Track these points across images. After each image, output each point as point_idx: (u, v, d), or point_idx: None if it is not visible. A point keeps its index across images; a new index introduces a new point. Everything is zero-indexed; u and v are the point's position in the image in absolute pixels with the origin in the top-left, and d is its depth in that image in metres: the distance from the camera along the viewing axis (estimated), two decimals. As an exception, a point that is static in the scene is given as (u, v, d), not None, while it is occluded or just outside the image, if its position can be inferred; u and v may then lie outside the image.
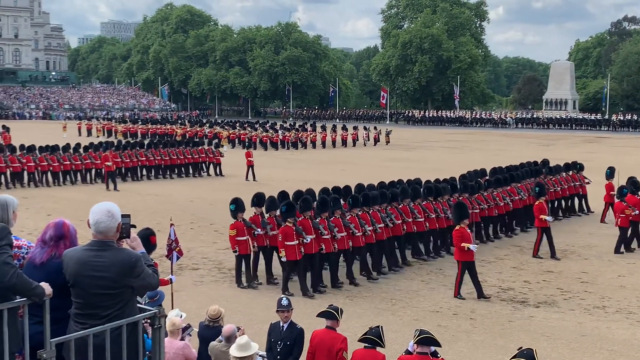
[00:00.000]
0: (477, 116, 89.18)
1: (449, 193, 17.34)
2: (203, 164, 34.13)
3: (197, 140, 39.80)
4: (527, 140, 58.97)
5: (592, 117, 79.07)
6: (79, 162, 30.13)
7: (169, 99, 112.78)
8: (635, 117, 76.81)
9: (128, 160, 30.86)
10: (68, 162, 29.81)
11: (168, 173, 32.65)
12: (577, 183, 22.85)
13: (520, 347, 6.41)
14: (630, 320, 12.26)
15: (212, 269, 15.49)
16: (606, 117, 79.94)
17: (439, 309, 12.77)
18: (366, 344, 7.33)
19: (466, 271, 13.49)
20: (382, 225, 14.97)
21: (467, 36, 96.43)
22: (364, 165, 37.26)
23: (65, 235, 4.88)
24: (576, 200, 23.31)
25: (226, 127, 54.95)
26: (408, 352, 7.19)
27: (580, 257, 17.22)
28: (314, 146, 51.03)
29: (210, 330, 8.23)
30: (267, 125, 56.67)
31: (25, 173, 29.14)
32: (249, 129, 54.10)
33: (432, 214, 16.49)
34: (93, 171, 30.59)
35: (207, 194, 27.30)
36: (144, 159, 31.67)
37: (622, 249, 17.56)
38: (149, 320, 4.95)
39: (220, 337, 7.79)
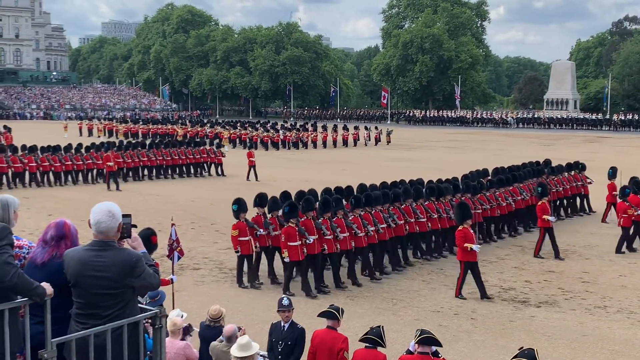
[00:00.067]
0: (478, 116, 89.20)
1: (451, 193, 17.32)
2: (205, 164, 34.13)
3: (199, 140, 39.82)
4: (528, 140, 58.96)
5: (593, 117, 79.07)
6: (81, 162, 30.16)
7: (170, 99, 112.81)
8: (636, 117, 76.77)
9: (130, 160, 30.87)
10: (70, 163, 29.83)
11: (169, 173, 32.67)
12: (579, 183, 22.85)
13: (522, 347, 6.41)
14: (631, 320, 12.26)
15: (213, 269, 15.49)
16: (607, 117, 79.91)
17: (440, 309, 12.76)
18: (367, 344, 7.32)
19: (469, 272, 13.49)
20: (384, 225, 14.96)
21: (468, 36, 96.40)
22: (365, 165, 37.26)
23: (66, 235, 4.88)
24: (578, 200, 23.31)
25: (227, 127, 54.94)
26: (409, 352, 7.19)
27: (582, 257, 17.22)
28: (315, 146, 51.03)
29: (211, 330, 8.23)
30: (268, 125, 56.67)
31: (27, 173, 29.15)
32: (250, 129, 54.12)
33: (434, 214, 16.48)
34: (95, 171, 30.61)
35: (208, 194, 27.31)
36: (145, 159, 31.68)
37: (624, 248, 17.56)
38: (150, 320, 4.95)
39: (221, 337, 7.80)
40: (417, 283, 14.58)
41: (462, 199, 16.90)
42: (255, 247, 14.24)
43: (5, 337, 4.27)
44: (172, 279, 10.25)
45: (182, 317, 7.79)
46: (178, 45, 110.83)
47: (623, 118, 77.54)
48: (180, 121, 68.31)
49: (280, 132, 52.21)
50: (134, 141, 36.58)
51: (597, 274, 15.51)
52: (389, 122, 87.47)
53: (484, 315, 12.41)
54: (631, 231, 17.74)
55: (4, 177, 28.55)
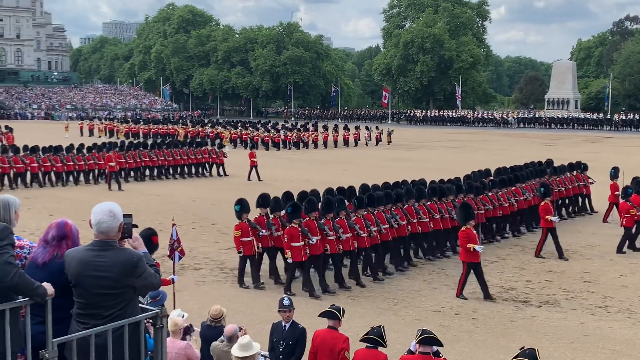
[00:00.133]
0: (479, 116, 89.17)
1: (453, 193, 17.32)
2: (206, 165, 34.14)
3: (201, 140, 39.81)
4: (529, 139, 58.94)
5: (594, 117, 79.04)
6: (82, 163, 30.16)
7: (171, 99, 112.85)
8: (637, 117, 76.72)
9: (132, 160, 30.89)
10: (71, 163, 29.85)
11: (171, 173, 32.67)
12: (581, 183, 22.84)
13: (523, 347, 6.41)
14: (632, 320, 12.25)
15: (214, 269, 15.49)
16: (608, 116, 79.87)
17: (441, 309, 12.76)
18: (368, 344, 7.32)
19: (471, 272, 13.47)
20: (387, 226, 14.95)
21: (468, 36, 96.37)
22: (366, 165, 37.26)
23: (67, 235, 4.88)
24: (579, 201, 23.30)
25: (228, 127, 54.94)
26: (410, 352, 7.19)
27: (583, 256, 17.22)
28: (316, 146, 51.03)
29: (212, 330, 8.24)
30: (269, 125, 56.66)
31: (29, 173, 29.16)
32: (251, 129, 54.11)
33: (437, 214, 16.47)
34: (96, 171, 30.62)
35: (209, 194, 27.32)
36: (147, 159, 31.68)
37: (625, 248, 17.56)
38: (151, 320, 4.95)
39: (222, 337, 7.80)
40: (418, 283, 14.58)
41: (465, 199, 16.89)
42: (258, 247, 14.24)
43: (6, 337, 4.27)
44: (173, 279, 10.26)
45: (183, 317, 7.79)
46: (179, 45, 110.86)
47: (624, 118, 77.51)
48: (181, 121, 68.33)
49: (281, 132, 52.19)
50: (135, 141, 36.58)
51: (598, 273, 15.51)
52: (389, 122, 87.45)
53: (485, 315, 12.41)
54: (633, 230, 17.75)
55: (6, 178, 28.57)
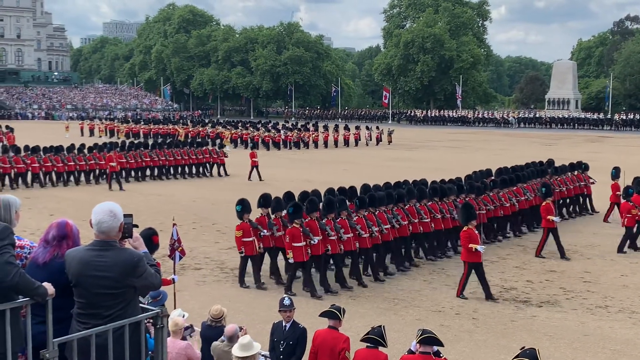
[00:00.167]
0: (480, 116, 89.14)
1: (454, 193, 17.31)
2: (207, 165, 34.13)
3: (202, 140, 39.79)
4: (529, 139, 58.93)
5: (595, 117, 79.03)
6: (84, 163, 30.17)
7: (171, 99, 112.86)
8: (637, 117, 76.68)
9: (133, 160, 30.89)
10: (72, 163, 29.86)
11: (172, 173, 32.67)
12: (582, 183, 22.84)
13: (523, 347, 6.41)
14: (633, 319, 12.25)
15: (215, 269, 15.50)
16: (608, 116, 79.86)
17: (441, 309, 12.76)
18: (368, 344, 7.32)
19: (472, 273, 13.46)
20: (388, 226, 14.94)
21: (469, 36, 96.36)
22: (366, 165, 37.26)
23: (68, 235, 4.88)
24: (580, 201, 23.29)
25: (228, 127, 54.95)
26: (410, 352, 7.19)
27: (583, 256, 17.21)
28: (316, 146, 51.03)
29: (212, 330, 8.24)
30: (270, 125, 56.67)
31: (30, 173, 29.17)
32: (251, 129, 54.11)
33: (438, 214, 16.48)
34: (97, 171, 30.63)
35: (209, 194, 27.32)
36: (148, 159, 31.68)
37: (626, 248, 17.56)
38: (151, 320, 4.95)
39: (222, 337, 7.80)
40: (418, 283, 14.58)
41: (467, 199, 16.88)
42: (259, 247, 14.24)
43: (7, 337, 4.27)
44: (173, 279, 10.26)
45: (183, 317, 7.80)
46: (179, 45, 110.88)
47: (624, 118, 77.49)
48: (181, 121, 68.31)
49: (282, 132, 52.19)
50: (136, 141, 36.55)
51: (599, 273, 15.51)
52: (390, 122, 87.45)
53: (486, 315, 12.40)
54: (634, 230, 17.74)
55: (7, 178, 28.57)
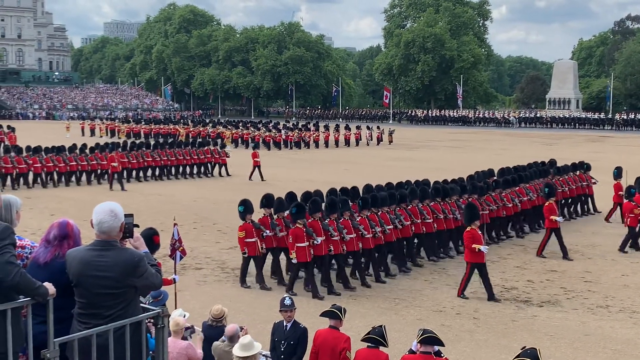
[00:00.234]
0: (480, 115, 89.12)
1: (457, 194, 17.30)
2: (209, 165, 34.13)
3: (203, 140, 39.78)
4: (530, 139, 58.91)
5: (596, 117, 79.00)
6: (85, 163, 30.17)
7: (172, 99, 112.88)
8: (638, 116, 76.63)
9: (135, 161, 30.89)
10: (74, 163, 29.86)
11: (173, 173, 32.66)
12: (584, 183, 22.82)
13: (524, 347, 6.41)
14: (633, 319, 12.24)
15: (216, 269, 15.50)
16: (609, 116, 79.82)
17: (442, 309, 12.76)
18: (369, 344, 7.32)
19: (474, 273, 13.44)
20: (391, 226, 14.94)
21: (470, 35, 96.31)
22: (367, 165, 37.26)
23: (69, 235, 4.89)
24: (582, 201, 23.28)
25: (229, 127, 54.96)
26: (411, 352, 7.19)
27: (584, 256, 17.20)
28: (317, 146, 51.03)
29: (213, 330, 8.24)
30: (270, 125, 56.68)
31: (31, 174, 29.17)
32: (252, 128, 54.12)
33: (440, 214, 16.47)
34: (99, 172, 30.63)
35: (210, 193, 27.33)
36: (150, 159, 31.68)
37: (627, 248, 17.54)
38: (152, 320, 4.96)
39: (223, 336, 7.80)
40: (419, 283, 14.57)
41: (470, 200, 16.87)
42: (262, 248, 14.23)
43: (8, 337, 4.27)
44: (174, 279, 10.26)
45: (184, 316, 7.80)
46: (180, 45, 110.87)
47: (625, 117, 77.43)
48: (182, 121, 68.31)
49: (283, 131, 52.20)
50: (138, 141, 36.55)
51: (600, 273, 15.50)
52: (391, 121, 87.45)
53: (486, 315, 12.40)
54: (637, 229, 17.73)
55: (9, 178, 28.58)
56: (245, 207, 14.11)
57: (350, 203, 14.87)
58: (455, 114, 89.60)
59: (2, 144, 42.64)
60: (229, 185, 29.78)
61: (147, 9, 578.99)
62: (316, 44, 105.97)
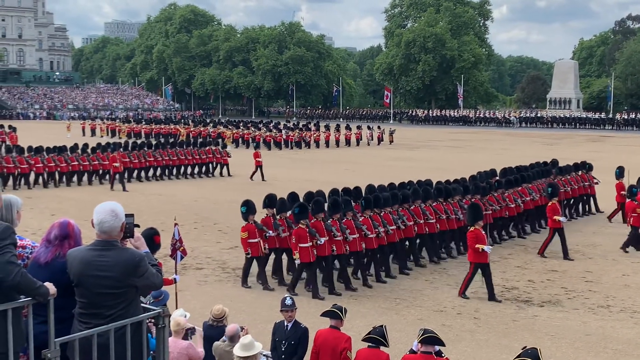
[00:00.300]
0: (481, 115, 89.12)
1: (459, 194, 17.28)
2: (210, 165, 34.13)
3: (205, 140, 39.80)
4: (531, 139, 58.90)
5: (596, 116, 78.97)
6: (87, 163, 30.17)
7: (173, 99, 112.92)
8: (639, 116, 76.61)
9: (136, 161, 30.90)
10: (76, 163, 29.87)
11: (174, 174, 32.66)
12: (586, 183, 22.81)
13: (525, 347, 6.40)
14: (634, 319, 12.24)
15: (216, 269, 15.50)
16: (610, 116, 79.80)
17: (443, 309, 12.75)
18: (370, 344, 7.32)
19: (477, 274, 13.43)
20: (394, 227, 14.93)
21: (470, 35, 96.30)
22: (368, 165, 37.25)
23: (69, 235, 4.89)
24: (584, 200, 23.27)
25: (230, 127, 54.96)
26: (412, 352, 7.19)
27: (585, 256, 17.20)
28: (318, 146, 51.03)
29: (214, 329, 8.24)
30: (271, 124, 56.67)
31: (33, 174, 29.18)
32: (253, 128, 54.12)
33: (443, 215, 16.46)
34: (100, 172, 30.63)
35: (211, 193, 27.33)
36: (151, 159, 31.68)
37: (628, 248, 17.52)
38: (153, 320, 4.96)
39: (224, 336, 7.80)
40: (420, 282, 14.57)
41: (473, 200, 16.86)
42: (265, 248, 14.24)
43: (9, 337, 4.27)
44: (175, 279, 10.26)
45: (185, 316, 7.80)
46: (181, 45, 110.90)
47: (626, 117, 77.40)
48: (183, 121, 68.31)
49: (283, 131, 52.20)
50: (139, 141, 36.56)
51: (601, 273, 15.49)
52: (391, 121, 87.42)
53: (487, 315, 12.40)
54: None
55: (11, 178, 28.59)
56: (248, 208, 14.09)
57: (352, 203, 14.87)
58: (455, 113, 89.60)
59: (4, 144, 42.67)
60: (230, 185, 29.78)
61: (148, 9, 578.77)
62: (317, 43, 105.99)
